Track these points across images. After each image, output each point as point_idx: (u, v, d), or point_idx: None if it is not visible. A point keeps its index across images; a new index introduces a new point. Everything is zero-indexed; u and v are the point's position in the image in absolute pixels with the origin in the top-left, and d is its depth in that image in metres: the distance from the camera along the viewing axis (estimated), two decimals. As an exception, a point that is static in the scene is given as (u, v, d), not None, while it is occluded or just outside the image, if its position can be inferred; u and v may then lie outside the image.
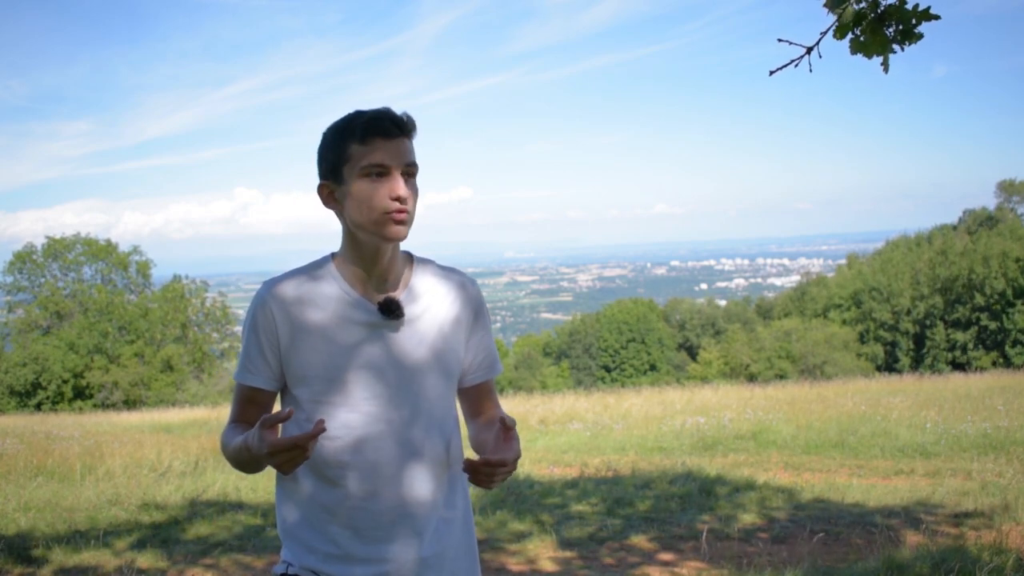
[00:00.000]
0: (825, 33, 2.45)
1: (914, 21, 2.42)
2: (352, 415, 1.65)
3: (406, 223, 1.64)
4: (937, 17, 2.40)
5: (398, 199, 1.62)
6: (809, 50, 2.45)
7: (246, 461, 1.65)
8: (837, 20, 2.43)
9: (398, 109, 1.69)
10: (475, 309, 1.78)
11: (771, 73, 2.53)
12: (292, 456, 1.51)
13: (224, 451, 1.73)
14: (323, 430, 1.50)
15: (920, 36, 2.42)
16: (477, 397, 1.85)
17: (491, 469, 1.60)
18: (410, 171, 1.65)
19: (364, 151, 1.62)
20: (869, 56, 2.44)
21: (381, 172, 1.62)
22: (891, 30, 2.43)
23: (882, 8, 2.42)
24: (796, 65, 2.48)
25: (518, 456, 1.66)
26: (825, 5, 2.41)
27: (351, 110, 1.70)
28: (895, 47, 2.45)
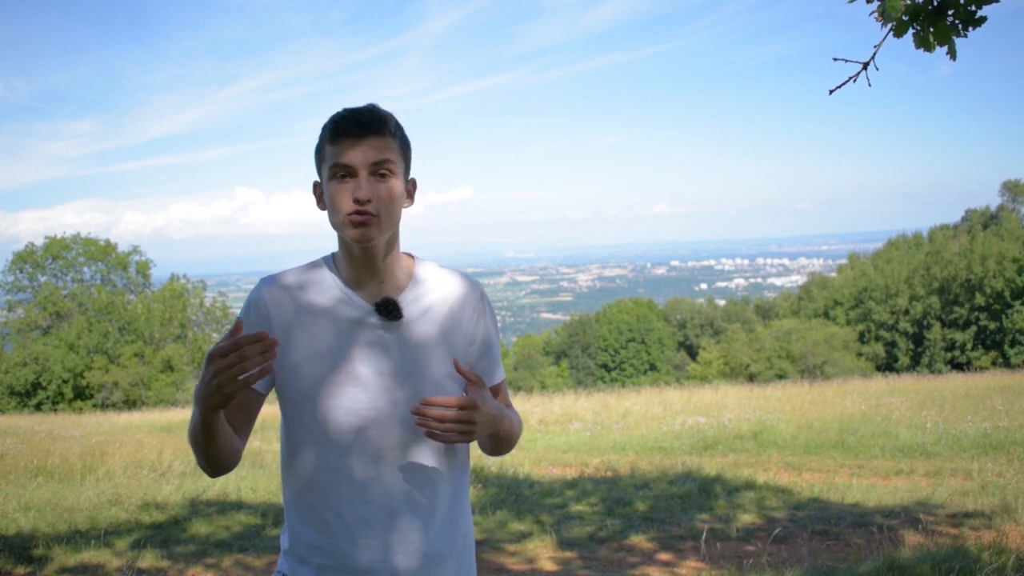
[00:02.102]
0: (879, 46, 2.44)
1: (973, 7, 2.43)
2: (360, 415, 1.64)
3: (368, 225, 1.60)
4: (997, 0, 2.41)
5: (357, 200, 1.59)
6: (865, 65, 2.46)
7: (199, 426, 1.54)
8: (891, 30, 2.42)
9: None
10: (479, 306, 1.76)
11: (831, 92, 2.52)
12: (227, 363, 1.41)
13: (191, 438, 1.60)
14: (265, 335, 1.42)
15: (984, 20, 2.44)
16: None
17: (438, 410, 1.54)
18: (381, 169, 1.61)
19: (332, 151, 1.62)
20: (931, 49, 2.46)
21: (346, 173, 1.61)
22: (951, 19, 2.45)
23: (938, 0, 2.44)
24: (854, 81, 2.48)
25: (477, 407, 1.58)
26: (878, 19, 2.40)
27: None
28: (960, 34, 2.47)
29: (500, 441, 1.75)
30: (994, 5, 2.42)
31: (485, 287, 1.84)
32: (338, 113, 1.65)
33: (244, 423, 1.71)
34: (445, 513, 1.70)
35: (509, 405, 1.84)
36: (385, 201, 1.61)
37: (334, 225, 1.65)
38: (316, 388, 1.64)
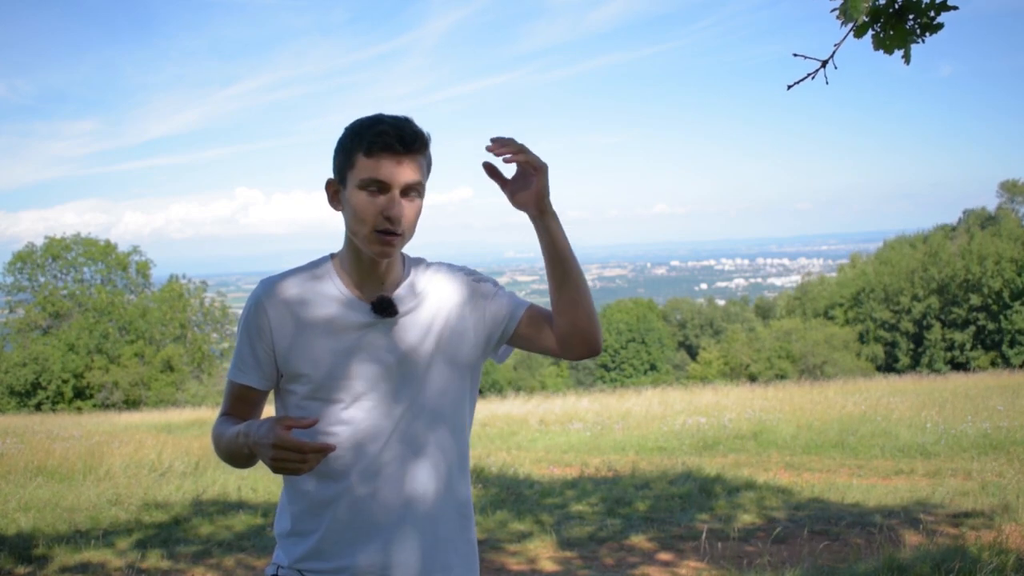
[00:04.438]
0: (839, 45, 2.47)
1: (933, 13, 2.45)
2: (353, 411, 1.65)
3: (394, 244, 1.62)
4: (955, 8, 2.44)
5: (389, 218, 1.59)
6: (824, 63, 2.48)
7: (238, 452, 1.64)
8: (852, 30, 2.45)
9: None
10: (471, 285, 1.75)
11: (788, 87, 2.56)
12: (289, 458, 1.51)
13: (216, 441, 1.72)
14: (332, 448, 1.53)
15: (941, 26, 2.46)
16: (536, 322, 1.75)
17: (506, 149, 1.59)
18: (412, 192, 1.62)
19: (367, 164, 1.59)
20: (890, 51, 2.48)
21: (379, 188, 1.60)
22: (911, 23, 2.46)
23: (900, 3, 2.45)
24: (812, 78, 2.50)
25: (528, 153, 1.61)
26: (839, 17, 2.42)
27: (376, 111, 1.64)
28: (916, 39, 2.49)
29: (569, 279, 1.68)
30: (953, 12, 2.45)
31: (470, 267, 1.81)
32: (379, 124, 1.60)
33: (253, 415, 1.77)
34: (448, 523, 1.71)
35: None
36: (411, 221, 1.63)
37: (354, 233, 1.64)
38: (319, 408, 1.66)
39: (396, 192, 1.60)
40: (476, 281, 1.77)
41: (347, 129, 1.65)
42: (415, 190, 1.63)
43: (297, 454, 1.50)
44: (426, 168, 1.66)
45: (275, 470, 1.54)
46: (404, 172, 1.60)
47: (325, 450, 1.52)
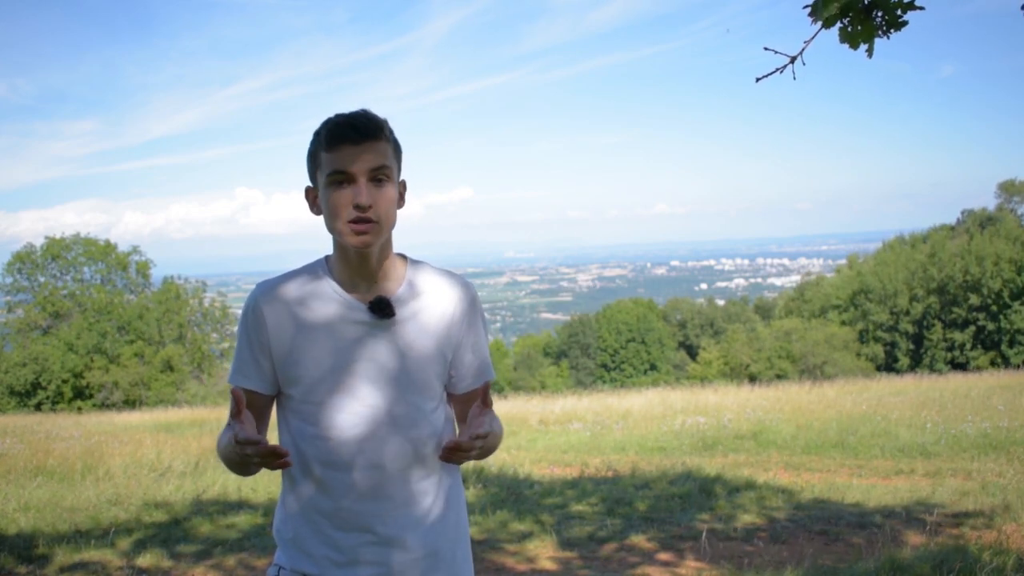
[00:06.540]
0: (809, 42, 2.52)
1: (899, 11, 2.48)
2: (355, 411, 1.65)
3: (369, 232, 1.62)
4: (921, 8, 2.48)
5: (358, 207, 1.60)
6: (793, 59, 2.52)
7: (234, 458, 1.62)
8: (821, 26, 2.49)
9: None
10: (471, 308, 1.77)
11: (757, 80, 2.60)
12: (254, 454, 1.49)
13: (218, 450, 1.71)
14: (288, 464, 1.52)
15: (905, 24, 2.51)
16: (470, 402, 1.81)
17: (463, 450, 1.58)
18: (379, 175, 1.63)
19: (329, 158, 1.62)
20: (855, 46, 2.53)
21: (345, 179, 1.61)
22: (878, 19, 2.49)
23: None
24: (781, 72, 2.54)
25: (491, 432, 1.63)
26: (810, 15, 2.46)
27: (376, 111, 1.69)
28: (880, 35, 2.52)
29: (485, 452, 1.75)
30: (919, 12, 2.49)
31: (482, 286, 1.83)
32: (333, 119, 1.64)
33: (259, 423, 1.75)
34: (441, 513, 1.73)
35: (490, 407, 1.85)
36: (384, 207, 1.63)
37: (332, 231, 1.66)
38: (318, 410, 1.66)
39: (362, 180, 1.61)
40: (475, 307, 1.78)
41: (314, 133, 1.68)
42: (382, 174, 1.63)
43: (258, 449, 1.49)
44: (392, 154, 1.66)
45: (251, 468, 1.56)
46: (366, 157, 1.61)
47: (283, 455, 1.50)
